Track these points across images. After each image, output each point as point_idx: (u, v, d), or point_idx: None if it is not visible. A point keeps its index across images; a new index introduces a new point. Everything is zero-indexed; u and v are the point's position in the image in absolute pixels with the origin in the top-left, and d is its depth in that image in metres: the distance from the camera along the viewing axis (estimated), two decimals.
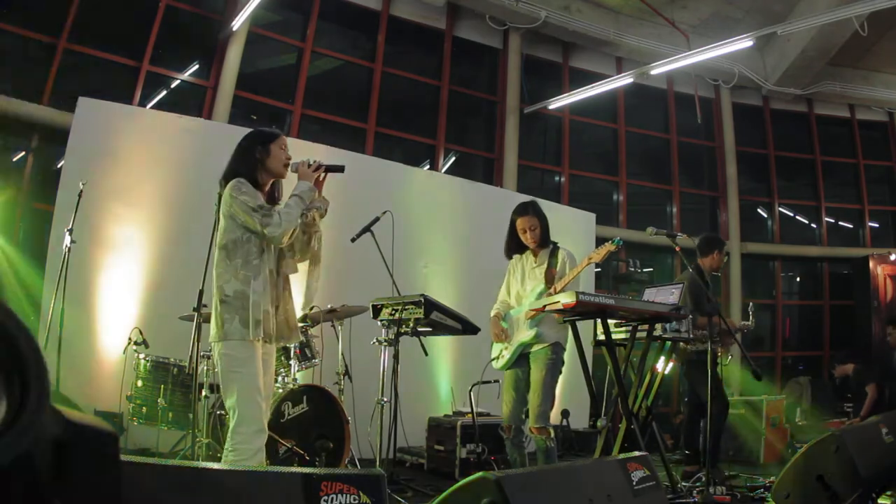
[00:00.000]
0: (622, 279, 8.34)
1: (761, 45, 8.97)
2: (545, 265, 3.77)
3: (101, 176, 4.99)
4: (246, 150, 2.68)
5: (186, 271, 4.11)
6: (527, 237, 3.78)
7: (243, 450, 2.36)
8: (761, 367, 5.11)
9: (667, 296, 4.21)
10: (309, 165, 2.73)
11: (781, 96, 9.84)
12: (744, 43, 6.96)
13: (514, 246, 3.91)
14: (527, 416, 3.68)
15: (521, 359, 3.73)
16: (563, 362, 3.70)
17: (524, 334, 3.69)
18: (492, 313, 3.91)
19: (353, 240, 4.27)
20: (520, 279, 3.86)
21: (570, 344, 3.78)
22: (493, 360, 3.86)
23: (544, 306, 3.51)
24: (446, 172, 8.02)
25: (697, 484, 4.10)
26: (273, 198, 2.75)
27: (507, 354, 3.76)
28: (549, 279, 3.72)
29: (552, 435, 3.58)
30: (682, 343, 4.31)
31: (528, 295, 3.77)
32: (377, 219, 4.42)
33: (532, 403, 3.61)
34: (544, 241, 3.81)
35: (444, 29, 8.29)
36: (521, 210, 3.83)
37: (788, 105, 10.13)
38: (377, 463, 4.00)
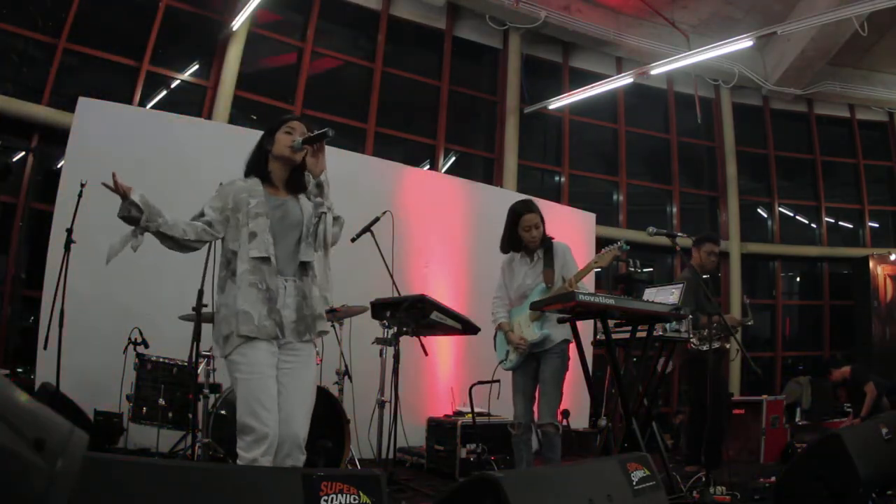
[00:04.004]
0: (623, 279, 8.31)
1: (761, 45, 8.96)
2: (542, 262, 3.77)
3: (101, 176, 4.93)
4: (257, 145, 2.69)
5: (186, 271, 4.10)
6: (531, 234, 3.75)
7: (241, 457, 2.36)
8: (761, 367, 5.10)
9: (667, 296, 4.21)
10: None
11: (781, 96, 9.83)
12: (744, 43, 6.96)
13: (511, 242, 3.85)
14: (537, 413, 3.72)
15: (529, 358, 3.74)
16: (569, 357, 3.73)
17: (533, 336, 3.69)
18: (498, 322, 3.86)
19: (353, 240, 4.26)
20: (520, 277, 3.84)
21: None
22: (502, 361, 3.85)
23: (544, 308, 3.51)
24: (446, 172, 8.02)
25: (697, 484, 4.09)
26: (295, 186, 2.66)
27: (514, 357, 3.77)
28: (548, 277, 3.72)
29: (559, 430, 3.66)
30: (691, 343, 4.30)
31: (531, 294, 3.76)
32: (377, 219, 4.42)
33: (545, 400, 3.66)
34: (543, 240, 3.81)
35: (444, 29, 8.28)
36: (526, 207, 3.78)
37: (788, 105, 10.12)
38: (377, 463, 4.00)
